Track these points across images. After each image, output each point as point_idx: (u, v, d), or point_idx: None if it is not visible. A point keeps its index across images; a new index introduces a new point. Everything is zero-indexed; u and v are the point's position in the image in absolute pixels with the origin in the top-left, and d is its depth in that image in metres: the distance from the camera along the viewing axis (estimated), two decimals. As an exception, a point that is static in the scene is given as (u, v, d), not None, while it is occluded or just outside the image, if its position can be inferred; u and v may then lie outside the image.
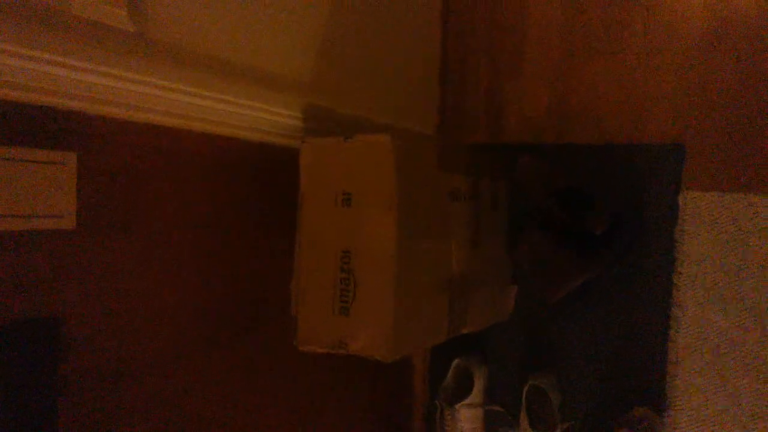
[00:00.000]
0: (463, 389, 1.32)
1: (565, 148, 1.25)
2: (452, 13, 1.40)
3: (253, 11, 0.87)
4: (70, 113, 0.71)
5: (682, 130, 1.13)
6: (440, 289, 0.97)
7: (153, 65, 0.73)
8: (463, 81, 1.39)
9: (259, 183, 0.99)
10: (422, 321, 0.93)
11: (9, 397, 0.66)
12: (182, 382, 0.88)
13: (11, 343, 0.67)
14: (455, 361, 1.32)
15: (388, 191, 0.85)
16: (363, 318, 0.87)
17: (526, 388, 1.21)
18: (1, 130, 0.65)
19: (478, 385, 1.30)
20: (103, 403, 0.77)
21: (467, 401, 1.29)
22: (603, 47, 1.22)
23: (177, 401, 0.87)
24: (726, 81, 1.09)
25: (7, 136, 0.65)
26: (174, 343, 0.86)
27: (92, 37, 0.67)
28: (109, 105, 0.73)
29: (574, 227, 1.11)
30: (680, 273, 1.11)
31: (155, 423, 0.83)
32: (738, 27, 1.09)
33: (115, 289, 0.78)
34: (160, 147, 0.83)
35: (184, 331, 0.87)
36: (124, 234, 0.78)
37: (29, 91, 0.65)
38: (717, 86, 1.10)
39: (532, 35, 1.31)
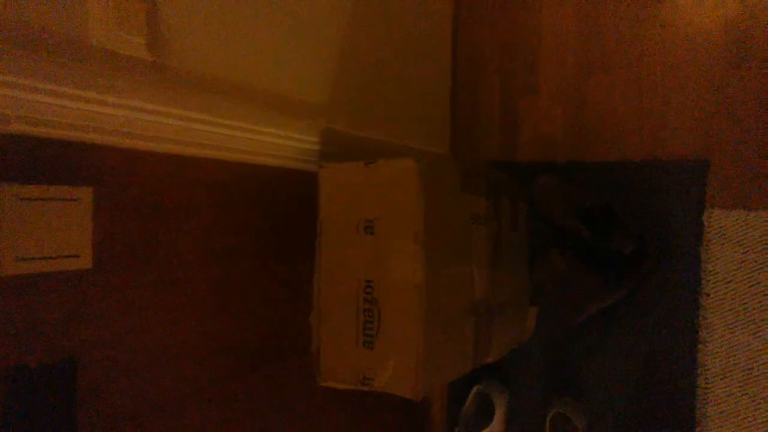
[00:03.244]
0: (483, 417, 1.28)
1: (583, 165, 1.23)
2: (463, 33, 1.38)
3: (269, 39, 0.85)
4: (86, 146, 0.68)
5: (705, 146, 1.11)
6: (464, 317, 0.94)
7: (171, 94, 0.70)
8: (475, 100, 1.37)
9: (277, 210, 0.96)
10: (449, 353, 0.89)
11: (23, 448, 0.63)
12: (201, 420, 0.84)
13: (27, 390, 0.63)
14: (475, 388, 1.28)
15: (413, 219, 0.82)
16: (388, 352, 0.83)
17: (549, 416, 1.18)
18: (15, 165, 0.62)
19: (499, 413, 1.26)
20: (120, 448, 0.73)
21: (488, 430, 1.25)
22: (618, 63, 1.20)
23: (197, 425, 0.83)
24: (749, 95, 1.07)
25: (21, 172, 0.62)
26: (193, 381, 0.82)
27: (110, 67, 0.64)
28: (126, 137, 0.70)
29: (599, 247, 1.08)
30: (707, 294, 1.08)
31: (173, 467, 0.80)
32: (760, 38, 1.07)
33: (132, 326, 0.74)
34: (177, 177, 0.80)
35: (203, 367, 0.84)
36: (142, 269, 0.75)
37: (45, 125, 0.62)
38: (740, 100, 1.08)
39: (545, 53, 1.29)
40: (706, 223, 1.08)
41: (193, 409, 0.82)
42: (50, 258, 0.64)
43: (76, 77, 0.60)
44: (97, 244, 0.69)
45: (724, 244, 1.07)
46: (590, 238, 1.07)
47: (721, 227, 1.07)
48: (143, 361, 0.75)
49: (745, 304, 1.05)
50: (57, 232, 0.64)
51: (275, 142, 0.90)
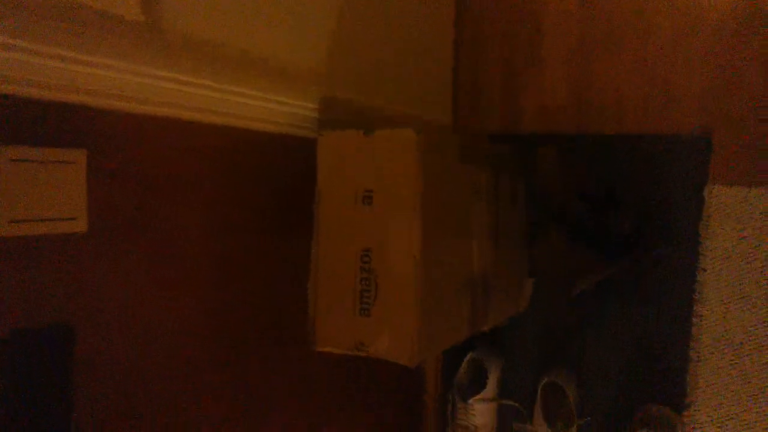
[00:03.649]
0: (476, 383, 1.30)
1: (586, 139, 1.21)
2: (466, 0, 1.35)
3: (268, 4, 0.82)
4: (79, 108, 0.66)
5: (708, 121, 1.10)
6: (462, 289, 0.94)
7: (165, 57, 0.69)
8: (477, 70, 1.34)
9: (277, 180, 0.95)
10: (445, 323, 0.90)
11: (22, 409, 0.63)
12: (197, 386, 0.85)
13: (23, 354, 0.63)
14: (469, 355, 1.30)
15: (412, 189, 0.81)
16: (385, 320, 0.84)
17: (541, 384, 1.19)
18: (7, 128, 0.61)
19: (493, 380, 1.28)
20: (119, 412, 0.74)
21: (481, 396, 1.27)
22: (625, 34, 1.18)
23: (191, 407, 0.84)
24: (755, 73, 1.05)
25: (14, 134, 0.61)
26: (188, 348, 0.83)
27: (102, 28, 0.63)
28: (121, 99, 0.68)
29: (596, 223, 1.08)
30: (704, 269, 1.08)
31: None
32: (771, 14, 1.04)
33: (129, 294, 0.74)
34: (173, 141, 0.79)
35: (199, 334, 0.84)
36: (139, 236, 0.74)
37: (36, 86, 0.61)
38: (746, 75, 1.06)
39: (550, 21, 1.26)
40: (706, 199, 1.08)
41: (188, 385, 0.83)
42: (45, 220, 0.63)
43: (67, 37, 0.58)
44: (93, 210, 0.69)
45: (723, 220, 1.07)
46: (588, 214, 1.06)
47: (721, 203, 1.07)
48: (138, 335, 0.76)
49: (741, 280, 1.05)
50: (51, 195, 0.64)
51: (274, 108, 0.89)
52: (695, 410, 1.10)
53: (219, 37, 0.75)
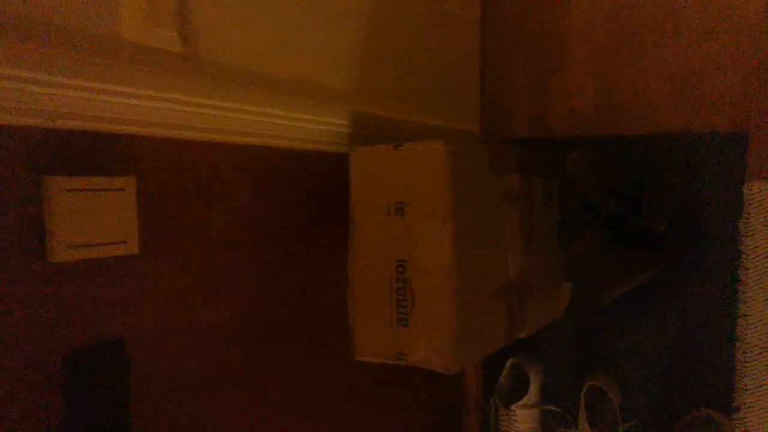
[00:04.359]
0: (518, 389, 1.30)
1: (617, 140, 1.21)
2: (492, 8, 1.36)
3: (298, 27, 0.86)
4: (127, 138, 0.71)
5: (744, 117, 1.08)
6: (497, 296, 0.95)
7: (204, 85, 0.73)
8: (504, 76, 1.35)
9: (313, 190, 0.99)
10: (481, 330, 0.91)
11: (84, 421, 0.68)
12: (240, 395, 0.88)
13: (82, 369, 0.68)
14: (510, 361, 1.30)
15: (443, 201, 0.83)
16: (423, 329, 0.85)
17: (584, 388, 1.18)
18: (63, 159, 0.66)
19: (534, 385, 1.28)
20: (169, 420, 0.78)
21: (523, 401, 1.27)
22: (654, 31, 1.17)
23: (235, 415, 0.88)
24: (793, 64, 1.03)
25: (67, 165, 0.66)
26: (231, 358, 0.87)
27: (143, 61, 0.67)
28: (165, 127, 0.73)
29: (632, 225, 1.07)
30: (747, 269, 1.06)
31: (220, 438, 0.85)
32: (805, 5, 1.02)
33: (177, 309, 0.78)
34: (215, 164, 0.83)
35: (241, 345, 0.88)
36: (185, 253, 0.79)
37: (88, 119, 0.65)
38: (783, 70, 1.04)
39: (576, 21, 1.26)
40: (746, 196, 1.06)
41: (229, 391, 0.87)
42: (99, 245, 0.68)
43: (115, 73, 0.63)
44: (143, 232, 0.73)
45: (765, 217, 1.04)
46: (623, 216, 1.06)
47: (762, 200, 1.04)
48: (186, 344, 0.80)
49: (786, 278, 1.03)
50: (105, 221, 0.68)
51: (306, 126, 0.92)
52: (745, 413, 1.07)
53: (254, 64, 0.79)
